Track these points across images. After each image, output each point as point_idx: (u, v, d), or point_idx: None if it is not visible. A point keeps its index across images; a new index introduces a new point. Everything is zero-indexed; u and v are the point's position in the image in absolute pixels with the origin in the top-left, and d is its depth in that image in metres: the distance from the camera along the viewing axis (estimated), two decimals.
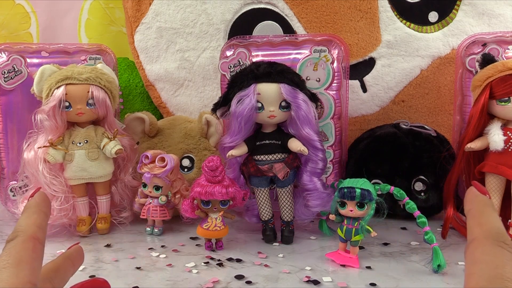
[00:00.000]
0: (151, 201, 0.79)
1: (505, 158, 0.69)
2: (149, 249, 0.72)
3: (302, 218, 0.76)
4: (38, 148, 0.75)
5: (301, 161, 0.73)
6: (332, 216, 0.68)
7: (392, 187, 0.66)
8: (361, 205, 0.64)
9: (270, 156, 0.71)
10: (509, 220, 0.70)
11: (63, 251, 0.71)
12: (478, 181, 0.72)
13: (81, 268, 0.64)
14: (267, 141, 0.72)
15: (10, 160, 0.86)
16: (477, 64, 0.73)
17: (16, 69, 0.84)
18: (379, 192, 0.67)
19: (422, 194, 0.81)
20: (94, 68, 0.79)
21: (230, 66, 0.82)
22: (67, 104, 0.75)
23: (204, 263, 0.66)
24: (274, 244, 0.74)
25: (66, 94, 0.75)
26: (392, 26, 0.90)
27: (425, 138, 0.82)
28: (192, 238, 0.76)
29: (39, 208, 0.37)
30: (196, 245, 0.74)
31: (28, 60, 0.85)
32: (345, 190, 0.64)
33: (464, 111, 0.80)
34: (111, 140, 0.77)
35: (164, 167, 0.75)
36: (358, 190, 0.63)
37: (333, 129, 0.83)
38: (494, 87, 0.69)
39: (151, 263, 0.67)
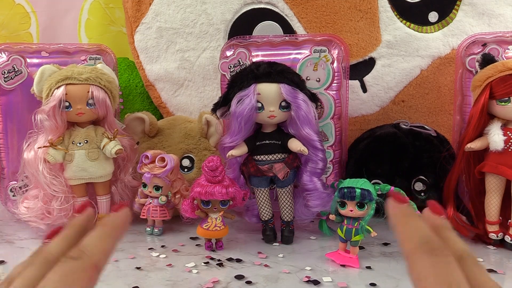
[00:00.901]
0: (151, 201, 0.79)
1: (505, 158, 0.69)
2: (149, 249, 0.72)
3: (302, 218, 0.76)
4: (38, 148, 0.75)
5: (301, 161, 0.73)
6: (332, 216, 0.68)
7: (392, 187, 0.66)
8: (361, 205, 0.64)
9: (270, 156, 0.71)
10: (509, 220, 0.70)
11: None
12: (478, 181, 0.74)
13: None
14: (267, 141, 0.72)
15: (10, 160, 0.86)
16: (477, 64, 0.73)
17: (16, 69, 0.84)
18: (379, 192, 0.67)
19: (422, 194, 0.81)
20: (94, 68, 0.79)
21: (230, 66, 0.82)
22: (67, 104, 0.75)
23: (204, 263, 0.66)
24: (274, 244, 0.74)
25: (66, 94, 0.75)
26: (392, 26, 0.90)
27: (425, 138, 0.82)
28: (192, 238, 0.76)
29: (117, 232, 0.34)
30: (196, 245, 0.74)
31: (28, 60, 0.85)
32: (345, 190, 0.64)
33: (464, 111, 0.80)
34: (111, 140, 0.77)
35: (164, 167, 0.75)
36: (358, 190, 0.63)
37: (333, 129, 0.83)
38: (494, 87, 0.69)
39: (151, 263, 0.67)
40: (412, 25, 0.90)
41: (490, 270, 0.63)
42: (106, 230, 0.33)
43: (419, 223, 0.32)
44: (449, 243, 0.31)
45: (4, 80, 0.83)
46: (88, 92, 0.76)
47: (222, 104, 0.71)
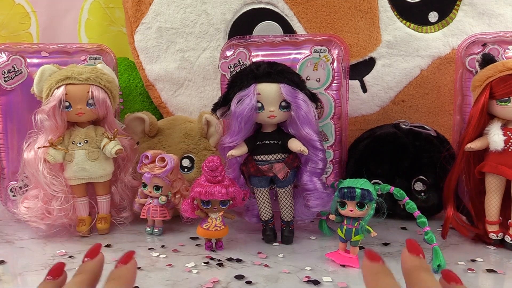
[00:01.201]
0: (151, 201, 0.79)
1: (505, 158, 0.69)
2: (149, 249, 0.72)
3: (302, 218, 0.76)
4: (38, 148, 0.75)
5: (301, 161, 0.73)
6: (332, 216, 0.68)
7: (392, 187, 0.66)
8: (361, 205, 0.64)
9: (270, 156, 0.71)
10: (509, 220, 0.70)
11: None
12: (478, 181, 0.74)
13: None
14: (267, 141, 0.72)
15: (10, 160, 0.86)
16: (477, 64, 0.73)
17: (16, 69, 0.84)
18: (379, 192, 0.67)
19: (422, 194, 0.81)
20: (94, 68, 0.79)
21: (230, 66, 0.82)
22: (67, 104, 0.75)
23: (204, 263, 0.66)
24: (274, 244, 0.74)
25: (66, 94, 0.75)
26: (392, 26, 0.90)
27: (425, 138, 0.82)
28: (192, 238, 0.76)
29: (128, 285, 0.35)
30: (196, 245, 0.74)
31: (28, 60, 0.85)
32: (345, 190, 0.64)
33: (464, 111, 0.80)
34: (111, 140, 0.77)
35: (164, 167, 0.75)
36: (358, 190, 0.63)
37: (333, 129, 0.83)
38: (494, 87, 0.69)
39: (151, 263, 0.67)
40: (412, 25, 0.90)
41: (490, 270, 0.63)
42: (119, 284, 0.34)
43: (387, 278, 0.35)
44: (422, 285, 0.34)
45: (4, 80, 0.83)
46: (88, 92, 0.76)
47: (222, 104, 0.71)
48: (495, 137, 0.69)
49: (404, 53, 0.91)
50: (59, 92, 0.74)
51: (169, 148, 0.87)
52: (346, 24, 0.90)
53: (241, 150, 0.71)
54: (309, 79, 0.81)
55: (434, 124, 0.92)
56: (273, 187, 0.75)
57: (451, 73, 0.90)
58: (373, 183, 0.69)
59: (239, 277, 0.61)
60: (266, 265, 0.65)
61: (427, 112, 0.94)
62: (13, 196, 0.85)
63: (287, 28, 0.92)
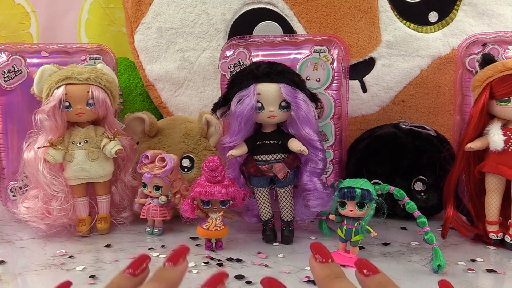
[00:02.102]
0: (151, 201, 0.79)
1: (505, 158, 0.69)
2: (149, 249, 0.72)
3: (302, 218, 0.76)
4: (38, 148, 0.75)
5: (301, 161, 0.73)
6: (332, 216, 0.68)
7: (392, 187, 0.66)
8: (361, 205, 0.64)
9: (270, 156, 0.71)
10: (509, 220, 0.70)
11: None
12: (478, 181, 0.74)
13: (80, 268, 0.64)
14: (267, 141, 0.72)
15: (10, 160, 0.86)
16: (477, 64, 0.73)
17: (16, 69, 0.84)
18: (379, 192, 0.67)
19: (422, 194, 0.81)
20: (94, 68, 0.79)
21: (230, 66, 0.82)
22: (67, 104, 0.75)
23: (204, 263, 0.66)
24: (274, 244, 0.74)
25: (66, 94, 0.75)
26: (392, 26, 0.90)
27: (425, 138, 0.82)
28: (192, 238, 0.76)
29: None
30: (196, 245, 0.74)
31: (28, 60, 0.85)
32: (345, 190, 0.64)
33: (464, 111, 0.80)
34: (111, 140, 0.77)
35: (164, 167, 0.75)
36: (358, 190, 0.63)
37: (333, 129, 0.83)
38: (494, 87, 0.69)
39: (151, 263, 0.66)
40: (412, 25, 0.90)
41: (490, 270, 0.63)
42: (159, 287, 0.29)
43: (339, 281, 0.32)
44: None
45: (4, 80, 0.83)
46: (88, 92, 0.76)
47: (222, 104, 0.71)
48: (495, 137, 0.69)
49: (404, 53, 0.91)
50: (59, 92, 0.74)
51: (169, 148, 0.87)
52: (346, 24, 0.90)
53: (241, 150, 0.71)
54: (309, 79, 0.81)
55: (434, 124, 0.92)
56: (273, 187, 0.75)
57: (451, 73, 0.90)
58: (373, 183, 0.69)
59: (239, 277, 0.61)
60: (266, 265, 0.65)
61: (427, 112, 0.94)
62: (13, 196, 0.85)
63: (287, 28, 0.92)
